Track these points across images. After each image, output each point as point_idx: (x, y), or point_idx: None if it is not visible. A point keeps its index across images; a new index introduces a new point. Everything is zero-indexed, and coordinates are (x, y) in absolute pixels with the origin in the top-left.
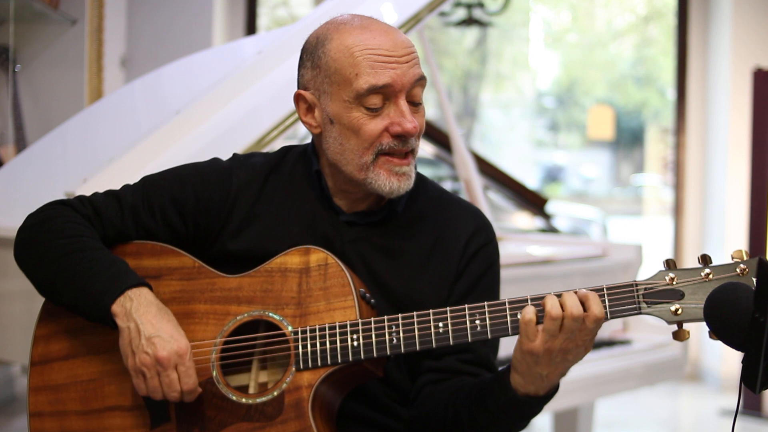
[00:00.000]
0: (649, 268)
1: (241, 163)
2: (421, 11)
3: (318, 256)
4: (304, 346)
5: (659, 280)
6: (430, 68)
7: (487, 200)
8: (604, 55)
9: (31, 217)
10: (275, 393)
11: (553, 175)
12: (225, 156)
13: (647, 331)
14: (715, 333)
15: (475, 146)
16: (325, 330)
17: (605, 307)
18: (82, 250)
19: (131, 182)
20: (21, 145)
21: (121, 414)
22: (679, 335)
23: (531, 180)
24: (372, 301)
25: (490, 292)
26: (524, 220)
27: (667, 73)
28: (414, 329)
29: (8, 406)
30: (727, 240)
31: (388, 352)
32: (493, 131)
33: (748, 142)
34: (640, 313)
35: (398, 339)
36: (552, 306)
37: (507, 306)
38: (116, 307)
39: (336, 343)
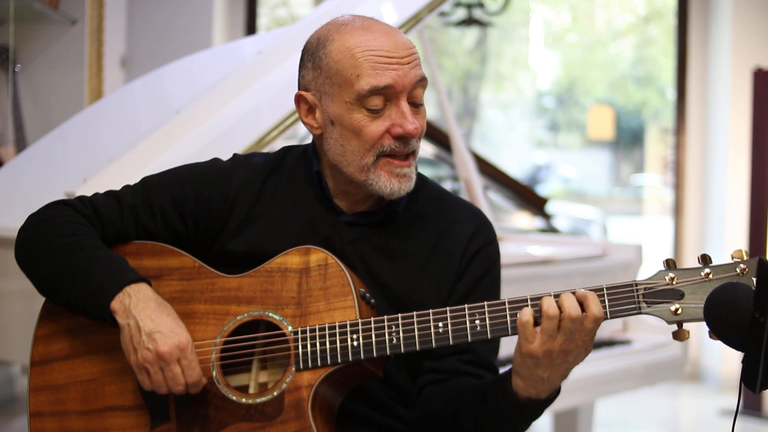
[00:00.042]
0: (649, 268)
1: (242, 164)
2: (421, 11)
3: (318, 256)
4: (304, 346)
5: (659, 280)
6: (430, 68)
7: (487, 200)
8: (604, 55)
9: (31, 218)
10: (275, 393)
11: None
12: (225, 156)
13: (647, 331)
14: (715, 333)
15: (475, 146)
16: (325, 330)
17: (605, 307)
18: (81, 248)
19: (131, 182)
20: (21, 145)
21: (121, 414)
22: (679, 335)
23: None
24: (372, 301)
25: (490, 292)
26: (524, 220)
27: (667, 73)
28: (414, 329)
29: (8, 406)
30: (727, 240)
31: (388, 352)
32: (493, 131)
33: (748, 142)
34: (640, 313)
35: (398, 339)
36: (548, 306)
37: (507, 306)
38: (115, 304)
39: (336, 343)
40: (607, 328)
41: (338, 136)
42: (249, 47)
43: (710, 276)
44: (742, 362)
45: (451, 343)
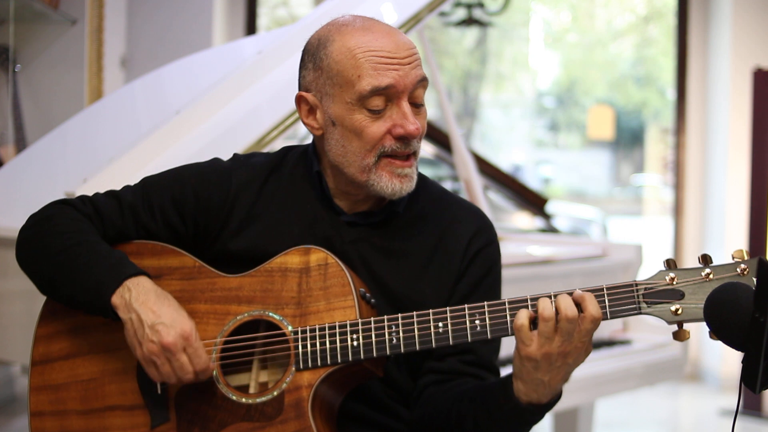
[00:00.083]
0: (649, 268)
1: (242, 163)
2: (421, 11)
3: (318, 255)
4: (304, 346)
5: (659, 280)
6: (430, 68)
7: (487, 200)
8: (604, 55)
9: (32, 217)
10: (275, 393)
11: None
12: (225, 156)
13: (647, 331)
14: (715, 333)
15: (475, 146)
16: (325, 330)
17: (605, 307)
18: (80, 244)
19: (131, 182)
20: (21, 145)
21: (121, 413)
22: (680, 335)
23: None
24: (372, 300)
25: (491, 293)
26: (524, 220)
27: (667, 73)
28: (414, 329)
29: (8, 406)
30: (727, 240)
31: (388, 352)
32: (493, 131)
33: (748, 142)
34: (640, 313)
35: (398, 339)
36: (544, 308)
37: (507, 306)
38: (116, 299)
39: (336, 343)
40: (607, 328)
41: (339, 136)
42: (249, 47)
43: (711, 276)
44: (742, 362)
45: (451, 343)
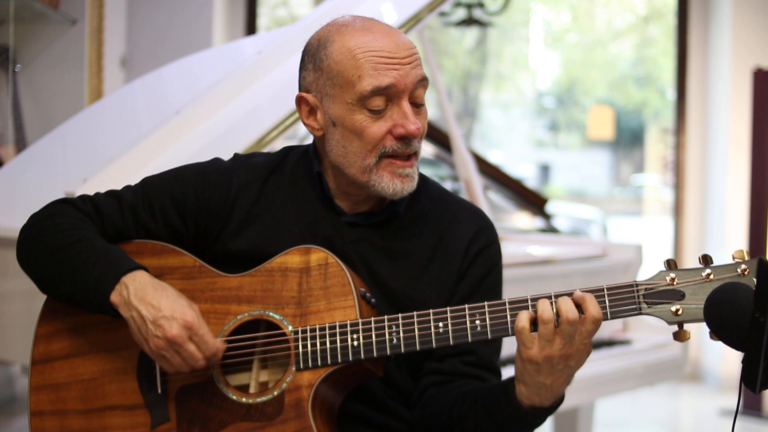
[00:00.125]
0: (649, 268)
1: (242, 163)
2: (421, 11)
3: (318, 255)
4: (305, 346)
5: (660, 281)
6: (430, 68)
7: (487, 200)
8: (604, 55)
9: (33, 216)
10: (275, 392)
11: None
12: (225, 156)
13: (647, 331)
14: (716, 333)
15: (475, 146)
16: (325, 330)
17: (605, 307)
18: (80, 241)
19: (131, 182)
20: (21, 145)
21: (121, 413)
22: (680, 336)
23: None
24: (372, 300)
25: (492, 293)
26: (524, 220)
27: (667, 73)
28: (414, 329)
29: (8, 406)
30: (727, 240)
31: (388, 352)
32: (493, 131)
33: (748, 142)
34: (641, 314)
35: (398, 339)
36: (543, 310)
37: (507, 306)
38: (114, 297)
39: (336, 343)
40: (607, 328)
41: (340, 137)
42: (249, 47)
43: (711, 276)
44: (742, 362)
45: (451, 343)
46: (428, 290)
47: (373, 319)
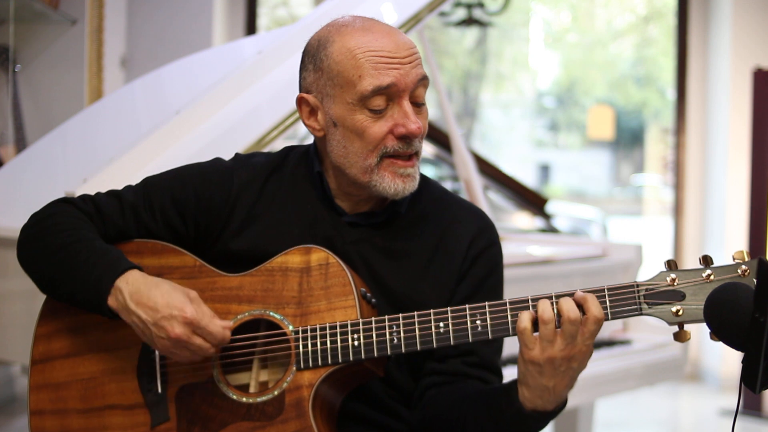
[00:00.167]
0: (649, 269)
1: (243, 163)
2: (421, 11)
3: (319, 255)
4: (305, 346)
5: (660, 281)
6: (430, 68)
7: (487, 200)
8: (604, 55)
9: (34, 216)
10: (276, 392)
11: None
12: (226, 156)
13: (647, 331)
14: (716, 333)
15: (475, 146)
16: (325, 329)
17: (606, 308)
18: (80, 240)
19: (132, 182)
20: (21, 145)
21: (121, 412)
22: (681, 336)
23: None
24: (373, 300)
25: (493, 294)
26: (524, 220)
27: (667, 73)
28: (415, 329)
29: (8, 406)
30: (727, 240)
31: (389, 352)
32: (493, 131)
33: (748, 142)
34: (641, 314)
35: (399, 339)
36: (543, 311)
37: (508, 306)
38: (111, 302)
39: (337, 343)
40: (607, 328)
41: (341, 137)
42: (249, 47)
43: (711, 277)
44: (742, 362)
45: (452, 343)
46: (429, 290)
47: (373, 319)
